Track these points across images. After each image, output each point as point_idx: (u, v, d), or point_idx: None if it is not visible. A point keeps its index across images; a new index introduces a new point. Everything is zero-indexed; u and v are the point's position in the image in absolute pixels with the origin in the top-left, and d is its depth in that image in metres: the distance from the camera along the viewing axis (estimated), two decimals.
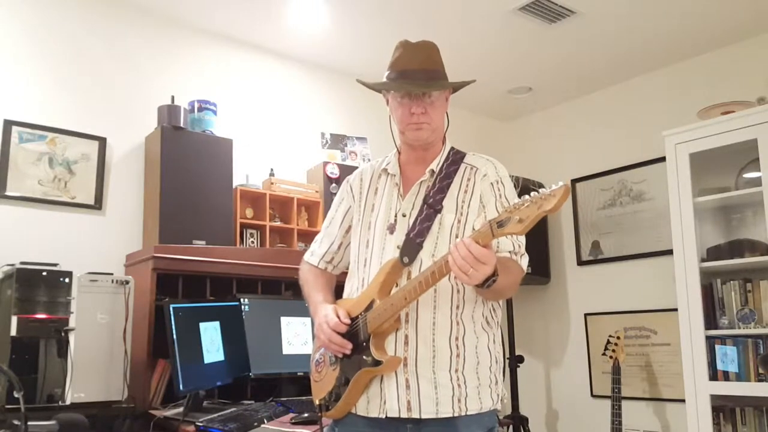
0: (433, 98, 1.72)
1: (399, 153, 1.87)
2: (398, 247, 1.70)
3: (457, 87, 1.79)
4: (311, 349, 2.77)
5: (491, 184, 1.74)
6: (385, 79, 1.77)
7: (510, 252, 1.67)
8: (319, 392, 1.80)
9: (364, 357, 1.65)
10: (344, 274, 1.93)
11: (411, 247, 1.68)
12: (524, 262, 1.70)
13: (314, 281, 1.90)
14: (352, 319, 1.71)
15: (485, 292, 1.57)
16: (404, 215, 1.75)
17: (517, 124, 5.14)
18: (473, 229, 1.64)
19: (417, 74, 1.71)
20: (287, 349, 3.00)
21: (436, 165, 1.79)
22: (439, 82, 1.72)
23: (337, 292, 1.92)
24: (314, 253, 1.97)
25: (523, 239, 1.70)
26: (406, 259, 1.67)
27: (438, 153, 1.81)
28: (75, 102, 3.18)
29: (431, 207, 1.72)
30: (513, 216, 1.38)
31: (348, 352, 1.68)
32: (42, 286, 2.42)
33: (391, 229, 1.74)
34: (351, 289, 1.82)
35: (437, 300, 1.65)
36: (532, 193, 1.37)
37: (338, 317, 1.69)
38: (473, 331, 1.67)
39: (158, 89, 3.41)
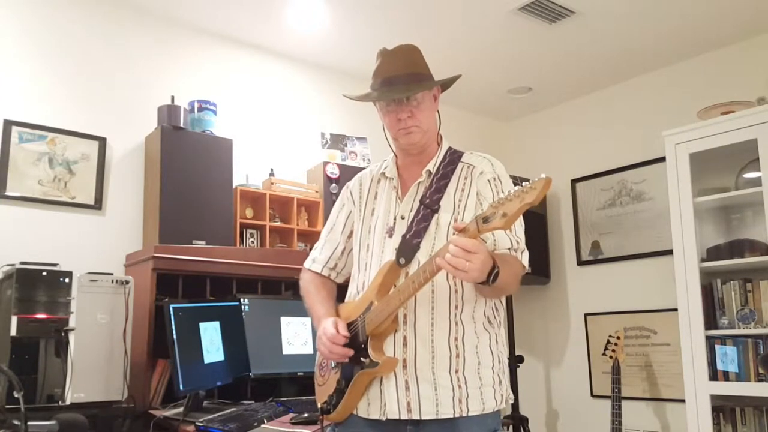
0: (418, 100, 1.72)
1: (396, 157, 1.88)
2: (395, 249, 1.70)
3: (443, 85, 1.79)
4: (311, 349, 2.77)
5: (488, 181, 1.73)
6: (369, 89, 1.77)
7: (509, 249, 1.66)
8: (321, 396, 1.81)
9: (362, 359, 1.65)
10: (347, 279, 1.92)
11: (408, 249, 1.68)
12: (525, 257, 1.69)
13: (316, 293, 1.88)
14: (351, 323, 1.71)
15: (490, 289, 1.56)
16: (402, 217, 1.75)
17: (517, 124, 5.14)
18: None
19: (398, 80, 1.70)
20: (287, 349, 3.00)
21: (432, 165, 1.79)
22: (419, 84, 1.71)
23: (341, 295, 1.91)
24: (316, 260, 1.95)
25: (521, 234, 1.70)
26: (402, 260, 1.68)
27: (434, 154, 1.81)
28: (75, 102, 3.18)
29: (428, 207, 1.72)
30: (498, 211, 1.38)
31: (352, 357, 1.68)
32: (42, 286, 2.42)
33: (390, 232, 1.75)
34: (352, 292, 1.83)
35: (435, 301, 1.65)
36: (515, 187, 1.38)
37: (337, 330, 1.67)
38: (473, 331, 1.67)
39: (158, 89, 3.41)
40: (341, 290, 1.93)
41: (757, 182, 3.34)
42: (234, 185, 3.42)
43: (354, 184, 1.94)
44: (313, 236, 3.54)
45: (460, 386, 1.62)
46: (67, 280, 2.46)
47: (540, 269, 4.48)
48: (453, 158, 1.80)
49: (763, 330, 3.28)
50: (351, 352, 1.67)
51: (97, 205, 3.16)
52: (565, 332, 4.62)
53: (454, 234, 1.50)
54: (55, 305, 2.43)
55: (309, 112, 4.06)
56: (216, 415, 2.44)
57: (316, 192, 3.73)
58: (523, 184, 1.36)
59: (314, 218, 3.71)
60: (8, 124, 2.96)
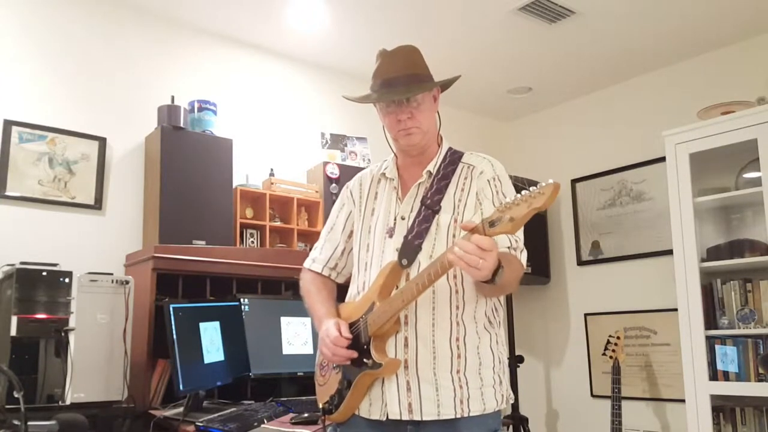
0: (418, 101, 1.72)
1: (396, 157, 1.88)
2: (397, 249, 1.70)
3: (443, 85, 1.79)
4: (311, 349, 2.77)
5: (488, 181, 1.73)
6: (369, 91, 1.77)
7: (508, 248, 1.65)
8: (323, 396, 1.81)
9: (365, 360, 1.65)
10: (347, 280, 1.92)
11: (409, 249, 1.68)
12: (523, 257, 1.69)
13: (317, 293, 1.88)
14: (353, 323, 1.71)
15: (492, 288, 1.55)
16: (403, 218, 1.75)
17: (517, 124, 5.14)
18: None
19: (398, 81, 1.70)
20: (287, 349, 3.00)
21: (433, 166, 1.79)
22: (419, 85, 1.71)
23: (341, 294, 1.91)
24: (316, 260, 1.95)
25: (520, 234, 1.69)
26: (404, 261, 1.67)
27: (434, 154, 1.81)
28: (75, 102, 3.18)
29: (429, 208, 1.72)
30: (504, 215, 1.38)
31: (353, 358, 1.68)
32: (42, 286, 2.42)
33: (390, 232, 1.75)
34: (352, 292, 1.83)
35: (436, 301, 1.65)
36: (523, 191, 1.37)
37: (339, 332, 1.67)
38: (475, 331, 1.67)
39: (158, 89, 3.41)
40: (341, 290, 1.93)
41: (757, 182, 3.34)
42: (234, 185, 3.42)
43: (354, 184, 1.94)
44: (313, 236, 3.54)
45: (461, 387, 1.62)
46: (67, 280, 2.46)
47: (540, 269, 4.48)
48: (453, 159, 1.80)
49: (763, 330, 3.28)
50: (354, 354, 1.66)
51: (97, 205, 3.16)
52: (565, 332, 4.62)
53: (457, 234, 1.50)
54: (55, 305, 2.43)
55: (309, 112, 4.06)
56: (216, 415, 2.43)
57: (316, 192, 3.73)
58: (531, 188, 1.35)
59: (314, 218, 3.71)
60: (8, 124, 2.96)
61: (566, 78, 4.39)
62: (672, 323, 3.71)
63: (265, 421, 2.39)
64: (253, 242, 3.50)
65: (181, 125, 3.25)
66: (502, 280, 1.48)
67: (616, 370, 3.85)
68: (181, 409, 2.55)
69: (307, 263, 1.97)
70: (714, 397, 3.33)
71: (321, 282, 1.92)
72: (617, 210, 4.39)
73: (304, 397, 2.85)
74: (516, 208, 1.37)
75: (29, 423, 1.98)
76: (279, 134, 3.90)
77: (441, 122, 1.85)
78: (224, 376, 2.75)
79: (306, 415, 2.36)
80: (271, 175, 3.66)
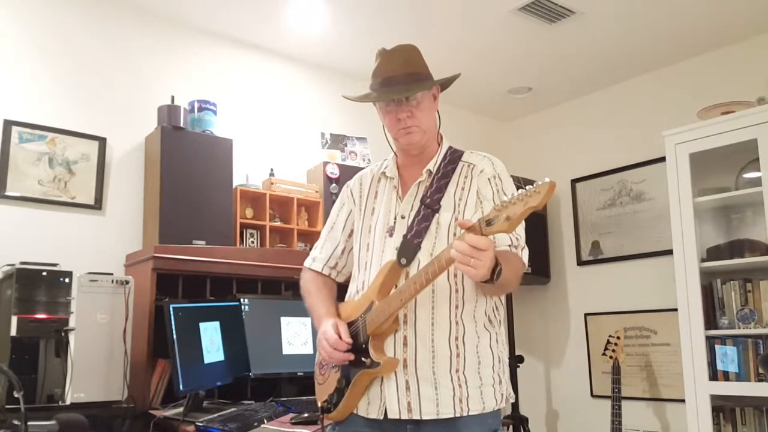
0: (417, 100, 1.72)
1: (396, 156, 1.88)
2: (396, 248, 1.70)
3: (442, 84, 1.79)
4: (311, 349, 2.77)
5: (488, 179, 1.73)
6: (368, 90, 1.77)
7: (509, 246, 1.66)
8: (322, 395, 1.81)
9: (363, 359, 1.65)
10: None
11: (409, 248, 1.68)
12: (525, 255, 1.69)
13: (316, 292, 1.88)
14: (352, 322, 1.71)
15: (492, 287, 1.55)
16: (403, 217, 1.75)
17: (517, 124, 5.14)
18: None
19: (397, 80, 1.70)
20: (287, 349, 3.00)
21: (433, 165, 1.79)
22: (418, 83, 1.71)
23: (341, 294, 1.91)
24: (316, 260, 1.95)
25: (521, 232, 1.70)
26: (403, 261, 1.68)
27: (434, 153, 1.81)
28: (75, 102, 3.18)
29: (429, 207, 1.72)
30: (501, 214, 1.39)
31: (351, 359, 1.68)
32: (42, 286, 2.42)
33: (390, 231, 1.75)
34: (352, 291, 1.83)
35: (435, 300, 1.65)
36: (519, 190, 1.38)
37: (339, 335, 1.67)
38: (474, 330, 1.67)
39: (158, 89, 3.41)
40: (341, 289, 1.93)
41: (757, 182, 3.34)
42: (234, 185, 3.42)
43: (354, 183, 1.94)
44: (313, 236, 3.54)
45: (460, 386, 1.62)
46: (67, 280, 2.46)
47: (540, 269, 4.48)
48: (453, 157, 1.80)
49: (763, 330, 3.27)
50: (352, 357, 1.66)
51: (97, 205, 3.16)
52: (565, 332, 4.62)
53: (458, 233, 1.50)
54: (55, 305, 2.43)
55: (309, 112, 4.06)
56: (216, 415, 2.43)
57: (316, 192, 3.73)
58: (527, 187, 1.36)
59: (314, 218, 3.71)
60: (8, 124, 2.96)
61: (566, 78, 4.39)
62: (672, 323, 3.71)
63: (265, 421, 2.39)
64: (253, 242, 3.50)
65: (181, 125, 3.25)
66: (501, 279, 1.48)
67: (616, 370, 3.85)
68: (181, 409, 2.55)
69: (307, 262, 1.97)
70: (714, 397, 3.33)
71: (321, 281, 1.92)
72: (617, 210, 4.39)
73: (304, 397, 2.85)
74: (512, 206, 1.37)
75: (29, 423, 1.98)
76: (279, 134, 3.90)
77: (441, 122, 1.86)
78: (224, 376, 2.75)
79: (306, 415, 2.36)
80: (271, 175, 3.66)
